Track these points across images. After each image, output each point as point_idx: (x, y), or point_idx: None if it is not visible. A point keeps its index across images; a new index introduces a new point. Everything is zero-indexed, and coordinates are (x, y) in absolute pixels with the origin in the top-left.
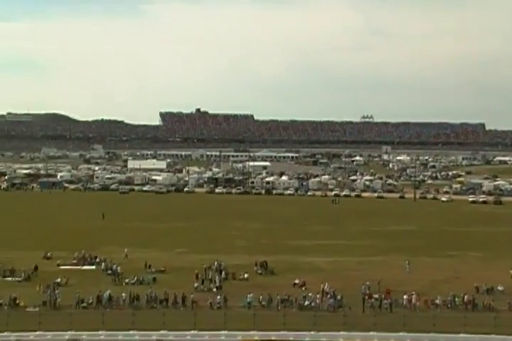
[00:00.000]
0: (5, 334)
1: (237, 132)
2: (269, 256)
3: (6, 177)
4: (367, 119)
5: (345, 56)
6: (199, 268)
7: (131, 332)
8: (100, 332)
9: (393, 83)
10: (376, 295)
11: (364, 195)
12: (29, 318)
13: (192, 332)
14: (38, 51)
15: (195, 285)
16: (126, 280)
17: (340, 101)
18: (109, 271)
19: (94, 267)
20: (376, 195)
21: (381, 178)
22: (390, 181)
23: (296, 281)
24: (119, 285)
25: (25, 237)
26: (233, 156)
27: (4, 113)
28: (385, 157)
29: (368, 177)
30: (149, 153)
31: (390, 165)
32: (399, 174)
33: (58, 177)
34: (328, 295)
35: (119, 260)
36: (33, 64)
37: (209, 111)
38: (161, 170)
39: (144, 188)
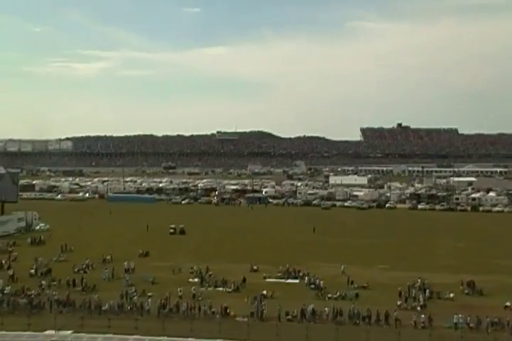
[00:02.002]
0: (218, 340)
1: (440, 147)
2: (476, 276)
3: (216, 193)
4: None
5: None
6: (402, 285)
7: None
8: None
9: None
10: None
11: None
12: (238, 327)
13: None
14: (243, 72)
15: (398, 303)
16: (329, 295)
17: None
18: (312, 285)
19: (297, 281)
20: None
21: None
22: None
23: (508, 304)
24: (322, 299)
25: (234, 250)
26: (436, 172)
27: (214, 132)
28: None
29: None
30: (350, 168)
31: None
32: None
33: (263, 192)
34: None
35: (322, 275)
36: (239, 84)
37: (411, 126)
38: (362, 186)
39: (346, 204)
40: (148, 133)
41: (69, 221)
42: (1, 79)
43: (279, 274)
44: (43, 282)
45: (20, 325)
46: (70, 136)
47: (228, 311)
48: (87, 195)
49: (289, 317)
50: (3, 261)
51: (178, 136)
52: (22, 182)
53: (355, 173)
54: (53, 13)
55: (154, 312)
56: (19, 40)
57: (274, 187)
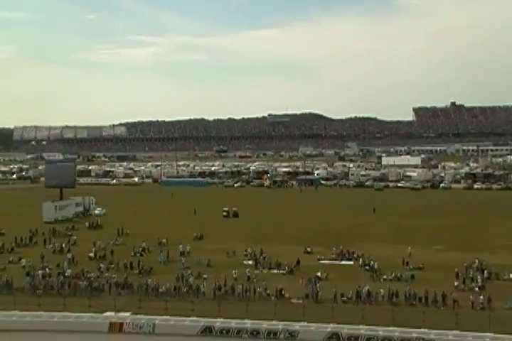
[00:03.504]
0: (273, 322)
1: (496, 125)
2: None
3: (268, 176)
4: None
5: None
6: (459, 266)
7: (390, 328)
8: (360, 326)
9: None
10: None
11: None
12: (294, 309)
13: (454, 332)
14: (294, 54)
15: (456, 284)
16: (384, 277)
17: None
18: (367, 267)
19: (352, 262)
20: None
21: None
22: None
23: None
24: (377, 281)
25: (288, 232)
26: (492, 150)
27: (265, 115)
28: None
29: None
30: (403, 149)
31: None
32: None
33: (315, 174)
34: None
35: (376, 256)
36: (289, 66)
37: (465, 104)
38: (416, 166)
39: (399, 184)
40: (199, 118)
41: (124, 205)
42: (55, 66)
43: (333, 256)
44: (102, 265)
45: (81, 307)
46: (123, 121)
47: (283, 293)
48: (142, 179)
49: (344, 298)
50: (63, 245)
51: (229, 119)
52: (78, 167)
53: (408, 154)
54: (106, 0)
55: (210, 294)
56: (73, 27)
57: (325, 169)
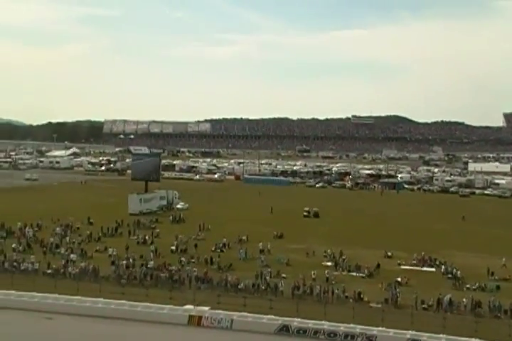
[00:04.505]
0: (351, 325)
1: None
2: None
3: (350, 177)
4: None
5: None
6: None
7: (472, 339)
8: (441, 335)
9: None
10: None
11: None
12: (372, 313)
13: None
14: (379, 55)
15: None
16: (467, 286)
17: None
18: (449, 275)
19: (433, 269)
20: None
21: None
22: None
23: None
24: (460, 290)
25: (368, 235)
26: None
27: (349, 116)
28: None
29: None
30: (491, 155)
31: None
32: None
33: (398, 178)
34: None
35: (459, 264)
36: (374, 67)
37: None
38: (505, 174)
39: (486, 192)
40: (283, 117)
41: (207, 200)
42: (141, 62)
43: (414, 262)
44: (183, 258)
45: (163, 298)
46: (208, 118)
47: (362, 296)
48: (223, 176)
49: (425, 305)
50: (147, 237)
51: (313, 119)
52: (163, 162)
53: (497, 160)
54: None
55: (288, 293)
56: (160, 24)
57: (409, 173)
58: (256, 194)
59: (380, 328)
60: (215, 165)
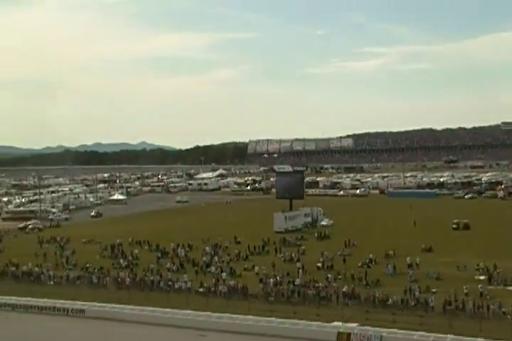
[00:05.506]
0: None
1: None
2: None
3: (503, 186)
4: None
5: None
6: None
7: None
8: None
9: None
10: None
11: None
12: None
13: None
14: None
15: None
16: None
17: None
18: None
19: None
20: None
21: None
22: None
23: None
24: None
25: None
26: None
27: (498, 122)
28: None
29: None
30: None
31: None
32: None
33: None
34: None
35: None
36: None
37: None
38: None
39: None
40: (427, 127)
41: (351, 216)
42: (286, 81)
43: None
44: (329, 275)
45: (310, 315)
46: (350, 133)
47: None
48: (365, 190)
49: None
50: (293, 254)
51: (460, 128)
52: (307, 179)
53: None
54: (334, 16)
55: (439, 309)
56: (303, 44)
57: None
58: (401, 207)
59: None
60: (358, 180)
